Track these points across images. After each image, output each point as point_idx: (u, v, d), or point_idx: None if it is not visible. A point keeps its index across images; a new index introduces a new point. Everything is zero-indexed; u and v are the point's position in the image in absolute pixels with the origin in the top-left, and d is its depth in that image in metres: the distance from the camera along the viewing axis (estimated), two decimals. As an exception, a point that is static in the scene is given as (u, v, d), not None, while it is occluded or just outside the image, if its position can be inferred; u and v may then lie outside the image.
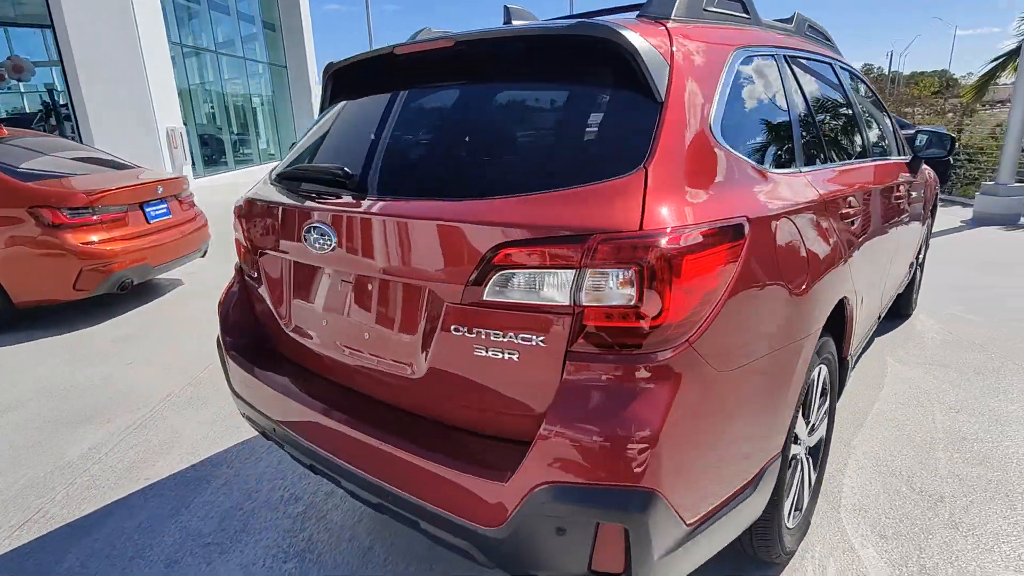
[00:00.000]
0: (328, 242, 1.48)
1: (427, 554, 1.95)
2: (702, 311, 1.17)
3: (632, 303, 1.12)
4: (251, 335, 1.98)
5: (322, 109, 2.04)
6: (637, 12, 1.56)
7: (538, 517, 1.15)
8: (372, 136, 1.66)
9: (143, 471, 2.51)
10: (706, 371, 1.19)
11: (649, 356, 1.14)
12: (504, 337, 1.23)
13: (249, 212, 1.84)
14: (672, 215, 1.16)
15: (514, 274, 1.19)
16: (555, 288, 1.16)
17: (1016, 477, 2.28)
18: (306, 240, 1.53)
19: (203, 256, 5.50)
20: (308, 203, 1.57)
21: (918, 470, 2.35)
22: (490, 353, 1.25)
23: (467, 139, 1.52)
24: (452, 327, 1.29)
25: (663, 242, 1.11)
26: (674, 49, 1.37)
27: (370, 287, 1.48)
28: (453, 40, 1.53)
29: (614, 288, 1.12)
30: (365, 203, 1.44)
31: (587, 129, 1.36)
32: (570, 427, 1.13)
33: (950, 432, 2.62)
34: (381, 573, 1.88)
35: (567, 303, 1.16)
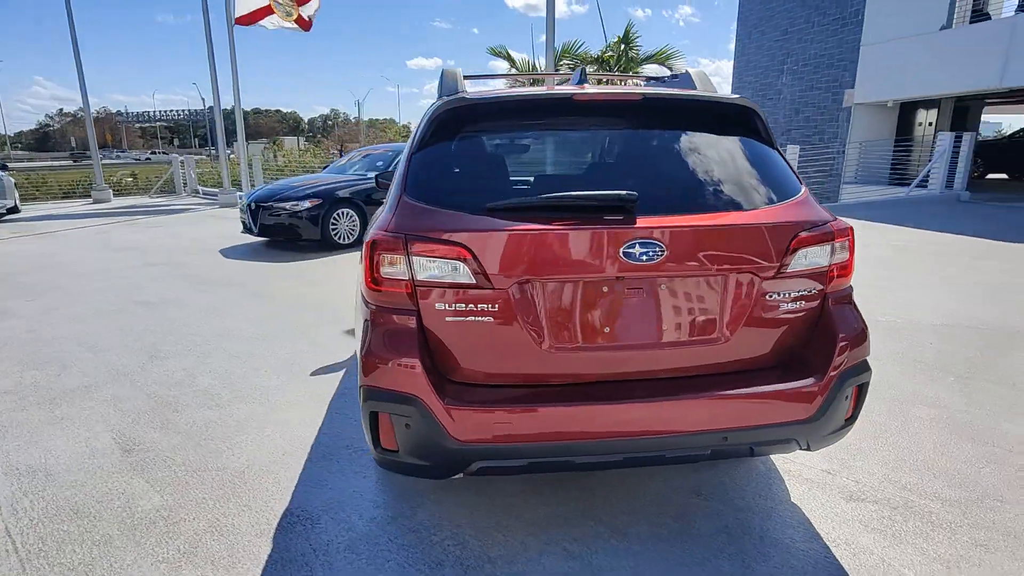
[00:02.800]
0: (658, 253, 1.74)
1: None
2: None
3: (845, 261, 2.00)
4: (459, 375, 1.83)
5: (439, 138, 2.00)
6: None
7: (838, 394, 1.90)
8: (594, 163, 1.91)
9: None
10: None
11: (850, 287, 2.05)
12: (797, 292, 1.90)
13: (501, 245, 1.77)
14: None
15: (803, 251, 1.89)
16: (821, 256, 1.92)
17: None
18: (627, 256, 1.73)
19: None
20: (624, 223, 1.75)
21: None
22: (789, 305, 1.90)
23: (703, 169, 2.01)
24: (765, 295, 1.86)
25: (846, 227, 2.03)
26: None
27: (673, 284, 1.82)
28: (641, 95, 2.00)
29: (840, 253, 1.98)
30: (680, 218, 1.79)
31: (766, 162, 2.11)
32: (846, 334, 1.93)
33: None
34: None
35: (826, 264, 1.94)
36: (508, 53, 14.62)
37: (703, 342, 1.89)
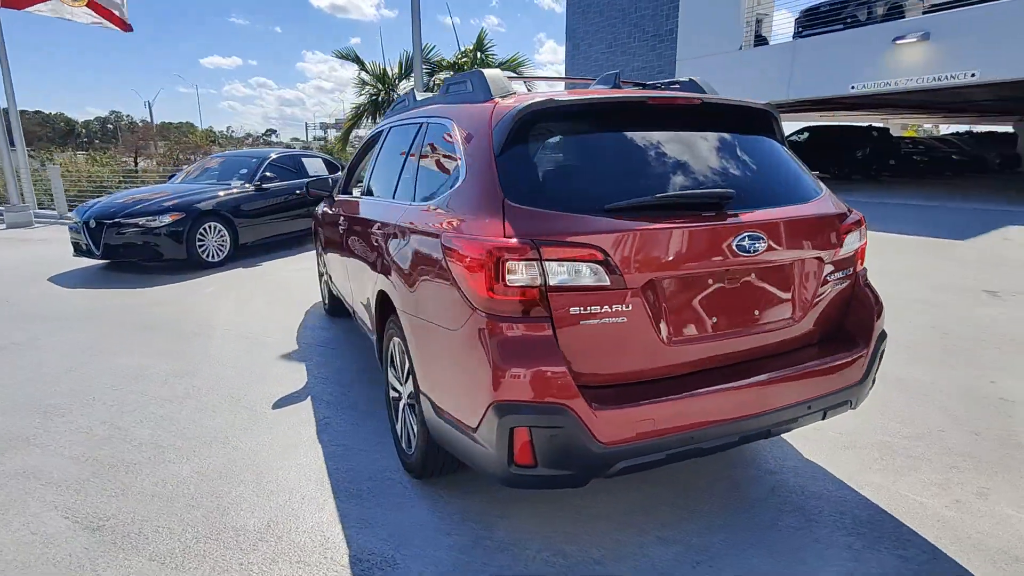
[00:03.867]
0: (761, 245, 1.89)
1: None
2: None
3: (864, 244, 2.34)
4: (587, 377, 1.81)
5: (528, 140, 1.97)
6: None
7: (875, 357, 2.23)
8: (677, 163, 2.02)
9: None
10: None
11: (866, 268, 2.40)
12: (843, 273, 2.19)
13: (635, 246, 1.79)
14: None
15: (848, 237, 2.18)
16: (855, 241, 2.23)
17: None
18: (738, 248, 1.85)
19: None
20: (732, 219, 1.89)
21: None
22: (838, 285, 2.18)
23: (757, 166, 2.19)
24: (826, 276, 2.12)
25: (862, 215, 2.37)
26: None
27: (768, 272, 2.00)
28: (700, 100, 2.16)
29: (863, 238, 2.31)
30: (769, 211, 1.95)
31: (793, 161, 2.36)
32: (877, 307, 2.26)
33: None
34: None
35: (857, 248, 2.25)
36: (357, 56, 14.05)
37: (784, 323, 2.10)
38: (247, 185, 7.95)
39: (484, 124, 2.08)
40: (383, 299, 2.67)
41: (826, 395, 2.10)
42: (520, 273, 1.74)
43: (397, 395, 2.70)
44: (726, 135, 2.27)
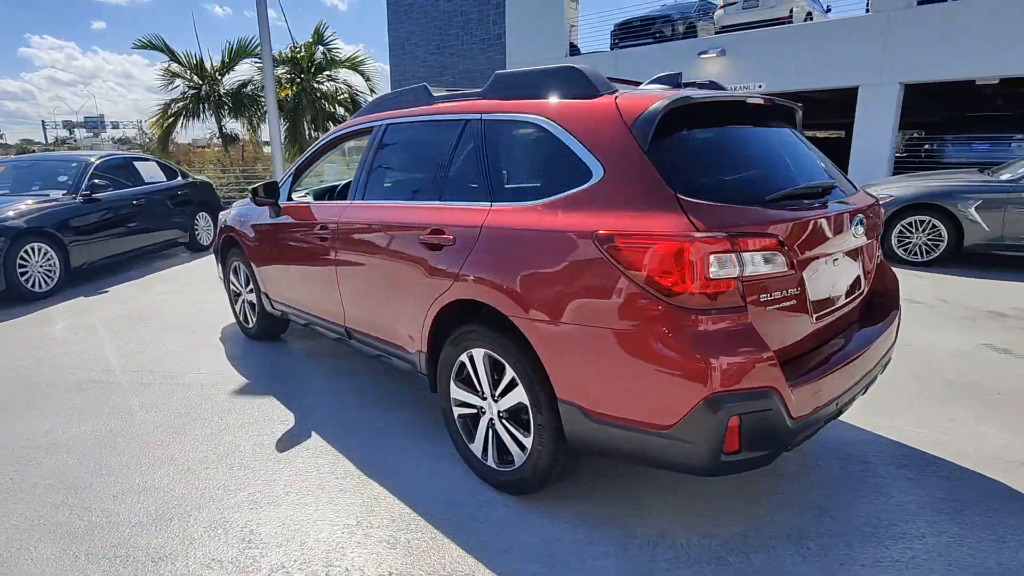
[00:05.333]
0: (863, 227, 2.17)
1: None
2: None
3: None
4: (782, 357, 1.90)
5: (676, 135, 1.99)
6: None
7: (899, 318, 2.68)
8: (775, 156, 2.21)
9: None
10: None
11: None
12: (880, 251, 2.59)
13: (797, 234, 1.92)
14: None
15: (882, 217, 2.58)
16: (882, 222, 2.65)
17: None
18: (854, 232, 2.10)
19: None
20: (839, 208, 2.14)
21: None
22: (877, 260, 2.57)
23: (818, 158, 2.44)
24: (876, 253, 2.48)
25: None
26: None
27: (862, 250, 2.32)
28: (772, 100, 2.40)
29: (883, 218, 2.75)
30: (854, 197, 2.27)
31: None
32: (895, 276, 2.71)
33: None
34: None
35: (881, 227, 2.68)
36: (166, 44, 12.07)
37: (860, 294, 2.42)
38: (73, 196, 6.47)
39: (613, 120, 2.04)
40: (449, 310, 2.46)
41: (888, 351, 2.48)
42: (719, 265, 1.76)
43: (474, 411, 2.50)
44: (788, 130, 2.54)
